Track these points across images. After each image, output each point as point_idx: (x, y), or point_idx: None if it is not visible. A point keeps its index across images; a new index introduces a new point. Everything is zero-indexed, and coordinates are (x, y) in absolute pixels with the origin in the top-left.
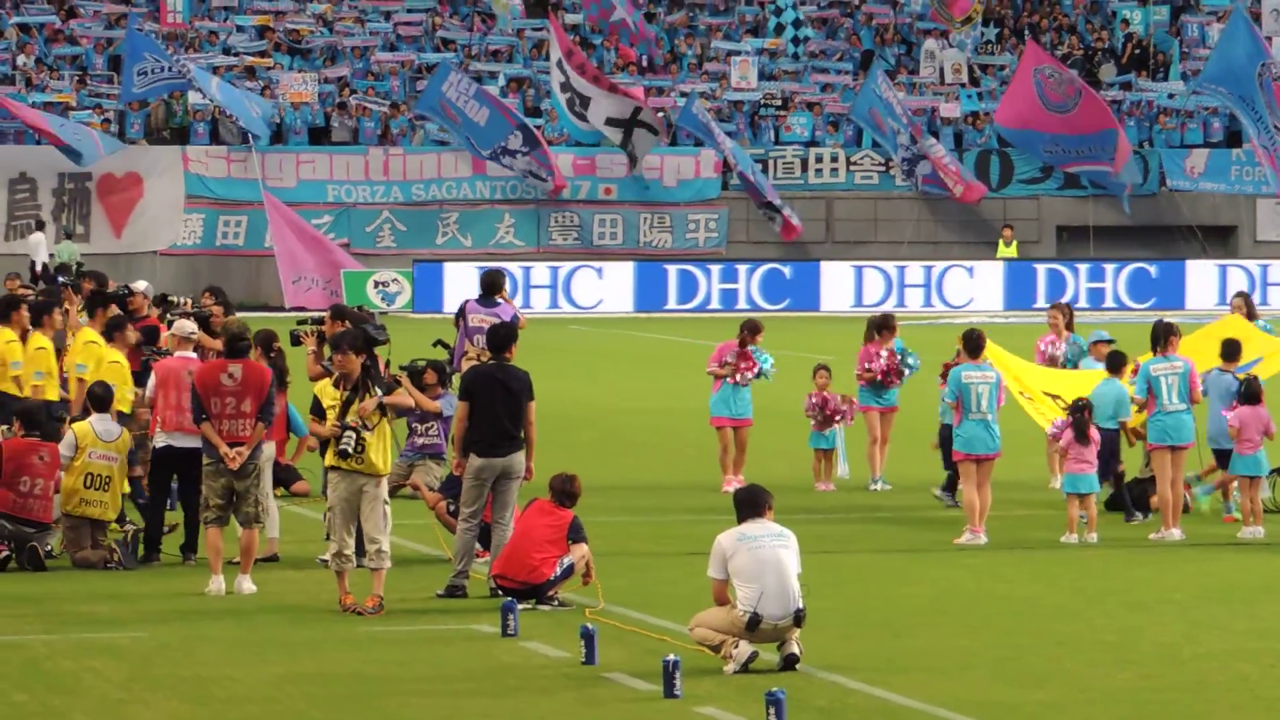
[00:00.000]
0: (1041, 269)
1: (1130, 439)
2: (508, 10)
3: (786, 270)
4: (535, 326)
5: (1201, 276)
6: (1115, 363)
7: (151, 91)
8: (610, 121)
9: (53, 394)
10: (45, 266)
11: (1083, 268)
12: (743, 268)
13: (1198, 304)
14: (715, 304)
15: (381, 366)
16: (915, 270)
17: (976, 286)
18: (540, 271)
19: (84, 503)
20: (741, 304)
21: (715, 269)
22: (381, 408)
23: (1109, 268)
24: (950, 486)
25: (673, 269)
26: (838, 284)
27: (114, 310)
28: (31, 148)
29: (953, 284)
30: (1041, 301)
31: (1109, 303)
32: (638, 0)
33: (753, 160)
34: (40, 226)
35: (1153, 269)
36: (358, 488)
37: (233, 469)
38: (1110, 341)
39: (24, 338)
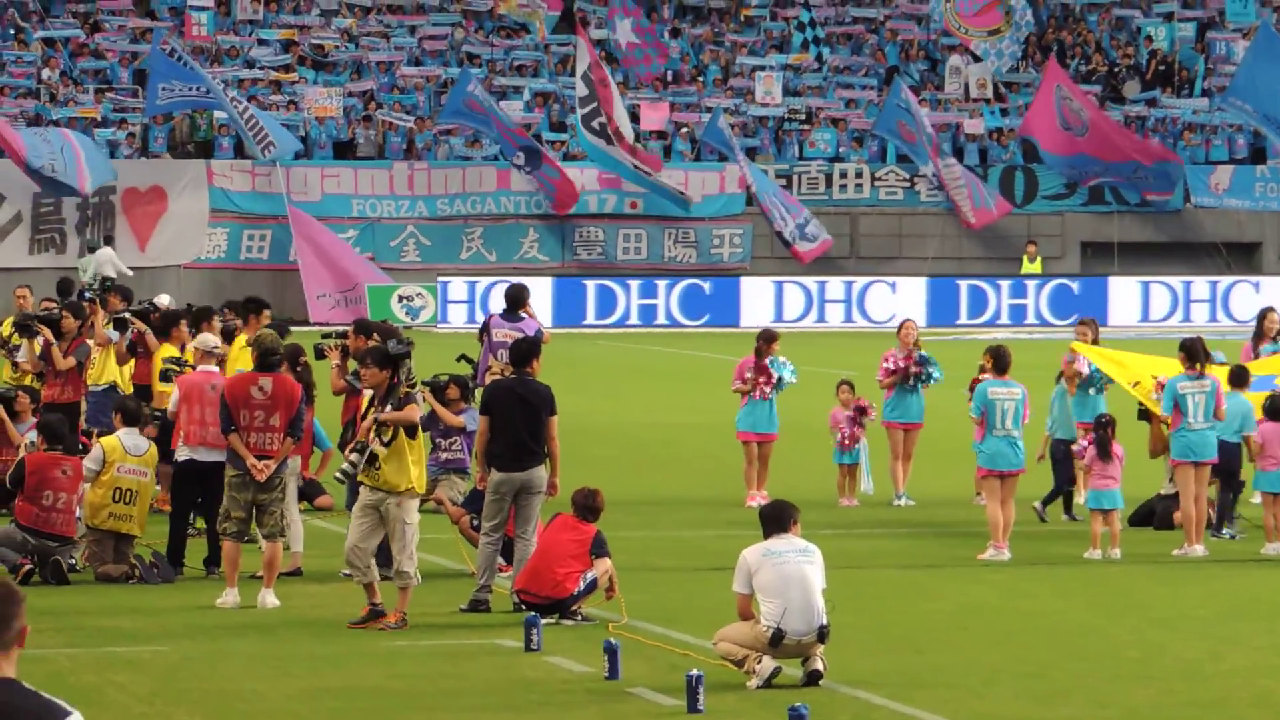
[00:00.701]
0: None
1: (1252, 452)
2: (539, 19)
3: (706, 286)
4: (559, 340)
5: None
6: (1239, 377)
7: (175, 105)
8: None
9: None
10: (111, 280)
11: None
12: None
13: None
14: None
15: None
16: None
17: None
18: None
19: (112, 516)
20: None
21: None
22: (381, 424)
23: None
24: (1064, 500)
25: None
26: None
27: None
28: None
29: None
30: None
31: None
32: (662, 19)
33: (769, 181)
34: (109, 241)
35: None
36: (378, 502)
37: (259, 481)
38: (1224, 362)
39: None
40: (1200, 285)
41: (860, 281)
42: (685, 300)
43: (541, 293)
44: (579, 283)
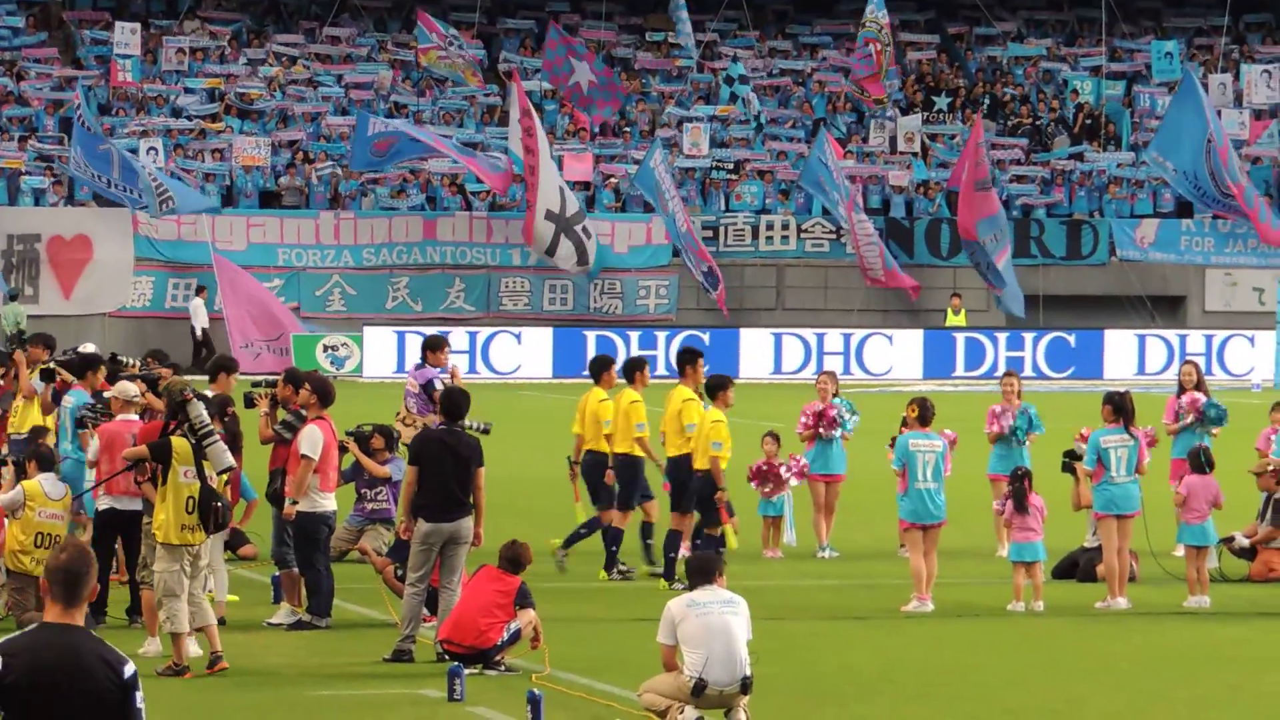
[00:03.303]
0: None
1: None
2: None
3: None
4: (484, 390)
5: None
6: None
7: (83, 182)
8: (549, 215)
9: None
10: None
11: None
12: (590, 334)
13: (1116, 373)
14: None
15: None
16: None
17: (896, 354)
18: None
19: (35, 562)
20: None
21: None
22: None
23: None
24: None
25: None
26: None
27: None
28: None
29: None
30: (960, 370)
31: (1028, 371)
32: (606, 59)
33: (684, 232)
34: (199, 291)
35: (1071, 338)
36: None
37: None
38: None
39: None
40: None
41: (786, 332)
42: (610, 351)
43: (463, 343)
44: (507, 333)
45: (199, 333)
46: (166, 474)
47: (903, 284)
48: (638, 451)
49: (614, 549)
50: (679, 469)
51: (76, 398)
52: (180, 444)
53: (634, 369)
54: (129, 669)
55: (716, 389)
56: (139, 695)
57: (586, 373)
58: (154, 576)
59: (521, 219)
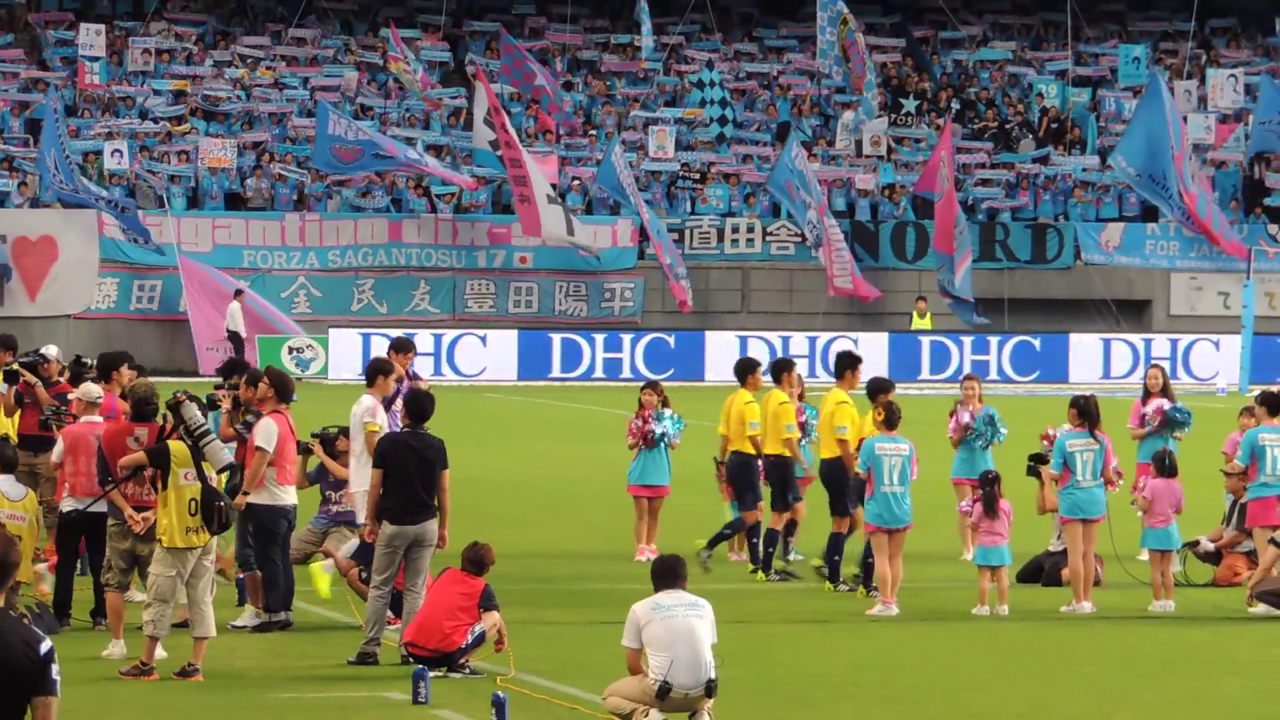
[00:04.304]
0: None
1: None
2: (414, 84)
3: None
4: (448, 392)
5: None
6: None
7: (57, 194)
8: (550, 199)
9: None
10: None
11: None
12: (555, 336)
13: (1081, 377)
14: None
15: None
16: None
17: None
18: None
19: None
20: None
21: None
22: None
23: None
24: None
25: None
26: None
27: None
28: None
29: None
30: (925, 373)
31: (993, 374)
32: (555, 71)
33: (665, 229)
34: (238, 295)
35: (1036, 341)
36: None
37: (137, 533)
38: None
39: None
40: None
41: (751, 335)
42: (576, 353)
43: (428, 345)
44: (472, 335)
45: (242, 334)
46: (166, 479)
47: (865, 294)
48: (787, 452)
49: (770, 550)
50: (832, 471)
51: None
52: (177, 447)
53: (781, 370)
54: (45, 646)
55: (877, 392)
56: (55, 669)
57: (732, 375)
58: (149, 579)
59: (489, 221)
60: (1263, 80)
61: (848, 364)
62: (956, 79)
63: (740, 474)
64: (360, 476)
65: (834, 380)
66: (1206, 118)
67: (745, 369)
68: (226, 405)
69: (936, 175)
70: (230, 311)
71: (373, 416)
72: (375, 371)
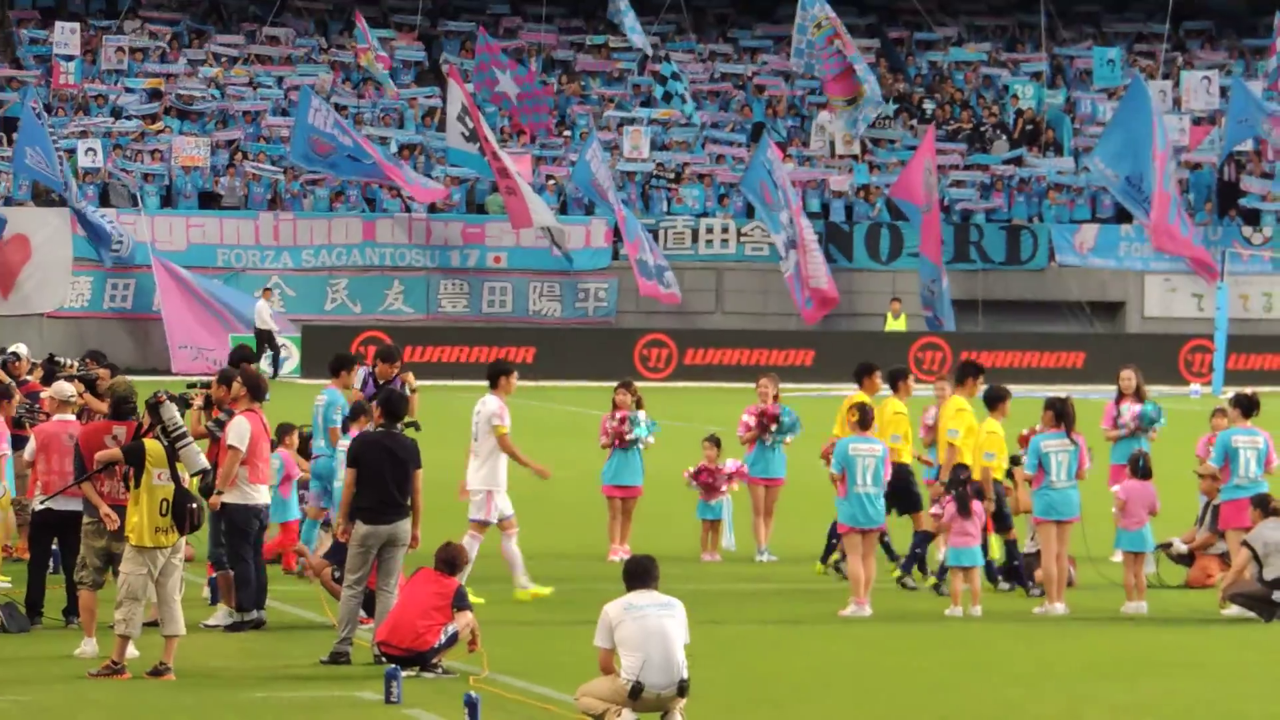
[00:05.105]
0: None
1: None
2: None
3: None
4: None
5: None
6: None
7: (32, 174)
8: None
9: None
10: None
11: None
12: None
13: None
14: None
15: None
16: None
17: None
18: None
19: None
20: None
21: None
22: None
23: None
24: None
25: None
26: None
27: None
28: None
29: None
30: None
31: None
32: (531, 71)
33: (642, 227)
34: (265, 293)
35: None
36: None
37: (112, 530)
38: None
39: None
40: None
41: (729, 337)
42: (551, 353)
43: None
44: (445, 333)
45: (274, 330)
46: (140, 477)
47: (833, 298)
48: (907, 459)
49: (920, 551)
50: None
51: (330, 396)
52: (153, 446)
53: (897, 378)
54: None
55: (996, 400)
56: None
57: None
58: (120, 577)
59: (463, 221)
60: (1234, 83)
61: (970, 372)
62: (931, 80)
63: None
64: (477, 477)
65: (956, 387)
66: (1181, 119)
67: (864, 373)
68: (198, 403)
69: (920, 184)
70: (257, 310)
71: (501, 419)
72: (498, 373)
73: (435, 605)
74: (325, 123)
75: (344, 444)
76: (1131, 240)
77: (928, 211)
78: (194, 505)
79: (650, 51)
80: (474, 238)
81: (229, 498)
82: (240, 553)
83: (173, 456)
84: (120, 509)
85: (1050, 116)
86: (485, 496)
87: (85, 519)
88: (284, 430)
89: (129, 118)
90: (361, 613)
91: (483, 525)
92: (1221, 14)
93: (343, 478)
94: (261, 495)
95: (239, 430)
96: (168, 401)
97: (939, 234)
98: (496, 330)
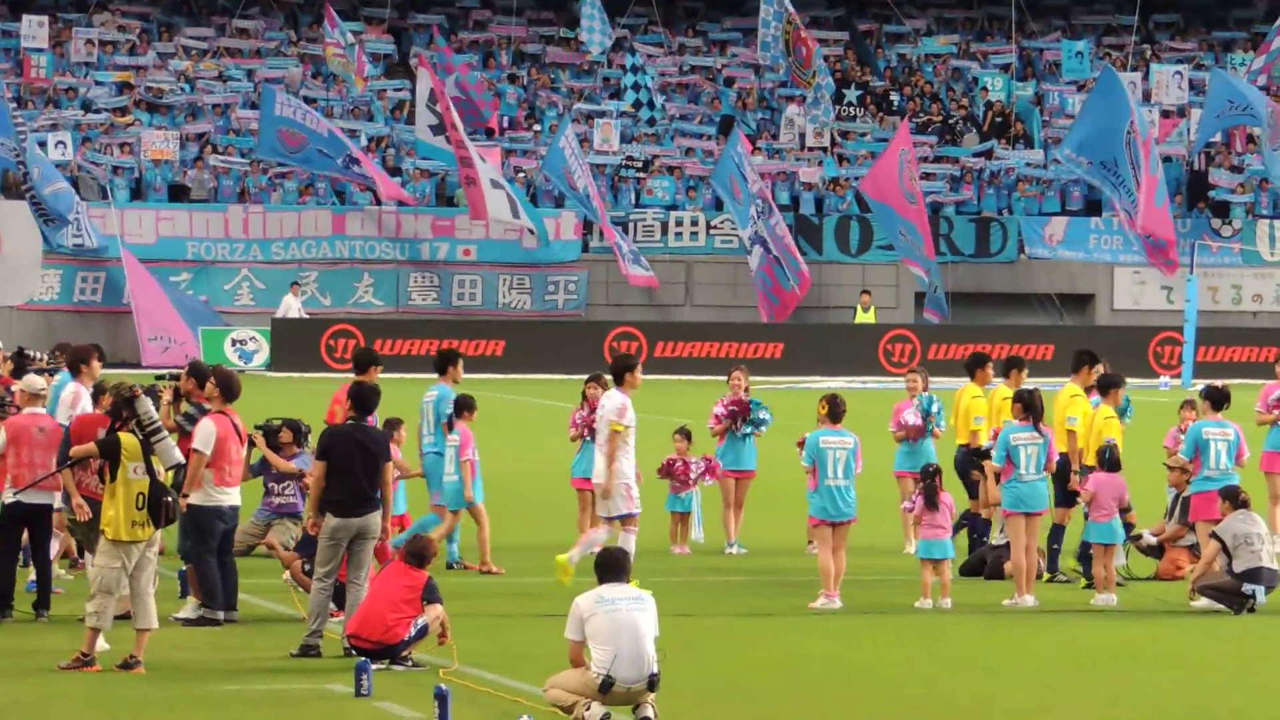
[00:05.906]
0: None
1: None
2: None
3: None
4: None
5: None
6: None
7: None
8: (495, 184)
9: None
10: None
11: None
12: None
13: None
14: None
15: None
16: None
17: None
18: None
19: None
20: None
21: None
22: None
23: None
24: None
25: None
26: None
27: None
28: None
29: None
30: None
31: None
32: (500, 65)
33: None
34: (291, 288)
35: None
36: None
37: (82, 520)
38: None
39: None
40: None
41: (699, 330)
42: (521, 345)
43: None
44: (413, 325)
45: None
46: (115, 470)
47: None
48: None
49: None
50: (1066, 465)
51: (441, 391)
52: (128, 440)
53: (1011, 367)
54: None
55: (1108, 387)
56: None
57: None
58: (91, 570)
59: (432, 214)
60: (1213, 74)
61: (1085, 360)
62: (901, 72)
63: (965, 466)
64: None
65: (1071, 375)
66: (1150, 112)
67: (975, 364)
68: (167, 397)
69: (896, 179)
70: (284, 304)
71: (619, 416)
72: (622, 369)
73: (405, 598)
74: (295, 113)
75: (452, 438)
76: (1101, 233)
77: (914, 205)
78: (169, 499)
79: (595, 53)
80: (444, 230)
81: (194, 499)
82: (201, 553)
83: (148, 450)
84: (95, 503)
85: (1019, 109)
86: (624, 489)
87: (59, 508)
88: (391, 424)
89: (98, 111)
90: (332, 605)
91: (627, 519)
92: (1190, 7)
93: (449, 472)
94: (227, 497)
95: (204, 434)
96: (143, 395)
97: (929, 230)
98: (466, 323)
